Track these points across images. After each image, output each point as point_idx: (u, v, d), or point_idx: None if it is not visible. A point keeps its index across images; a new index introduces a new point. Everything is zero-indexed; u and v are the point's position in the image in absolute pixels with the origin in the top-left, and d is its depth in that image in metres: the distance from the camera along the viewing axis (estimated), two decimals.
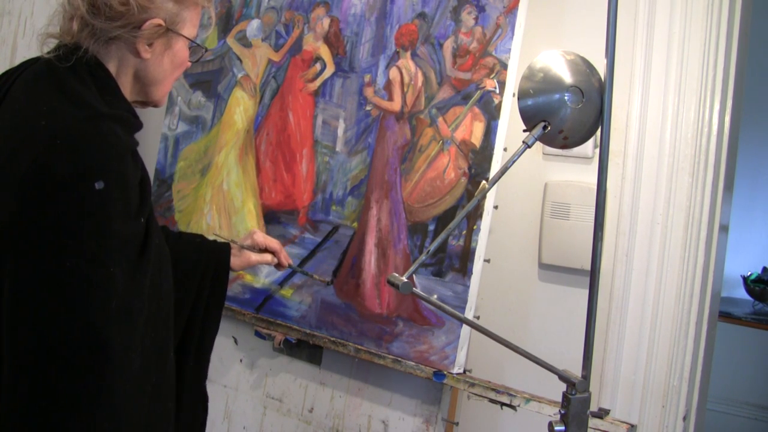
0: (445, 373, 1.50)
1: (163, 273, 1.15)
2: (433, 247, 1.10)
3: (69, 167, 0.97)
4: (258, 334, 1.82)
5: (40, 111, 1.03)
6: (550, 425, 1.08)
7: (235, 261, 1.47)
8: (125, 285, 1.00)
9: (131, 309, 1.02)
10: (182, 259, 1.38)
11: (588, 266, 1.48)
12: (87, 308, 0.96)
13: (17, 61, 2.59)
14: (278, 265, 1.53)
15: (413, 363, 1.54)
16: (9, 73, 1.16)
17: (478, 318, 1.61)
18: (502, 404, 1.47)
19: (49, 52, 1.11)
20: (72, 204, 0.96)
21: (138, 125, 1.16)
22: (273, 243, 1.51)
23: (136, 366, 1.03)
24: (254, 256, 1.49)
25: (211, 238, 1.50)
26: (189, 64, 1.23)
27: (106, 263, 0.98)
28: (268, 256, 1.50)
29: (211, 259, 1.44)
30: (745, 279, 3.42)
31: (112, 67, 1.14)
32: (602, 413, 1.39)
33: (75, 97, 1.05)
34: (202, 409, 1.42)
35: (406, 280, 1.03)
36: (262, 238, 1.50)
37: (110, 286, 0.98)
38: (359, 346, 1.62)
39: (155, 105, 1.23)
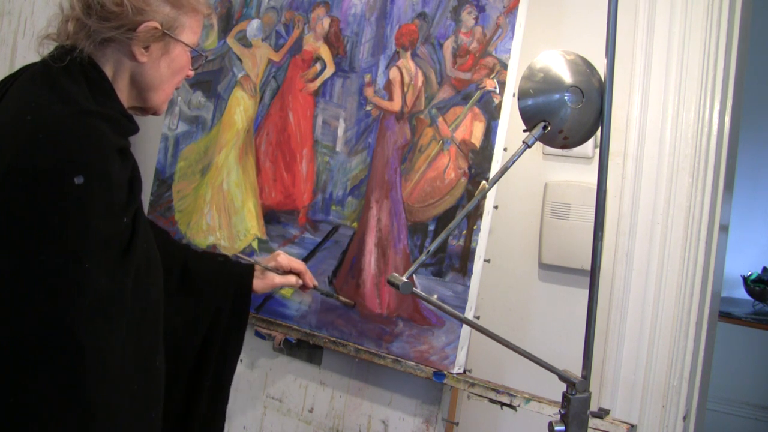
0: (445, 373, 1.50)
1: (151, 278, 1.13)
2: (433, 247, 1.10)
3: (49, 161, 0.97)
4: (258, 334, 1.82)
5: (29, 106, 1.03)
6: (550, 425, 1.08)
7: (257, 283, 1.45)
8: (104, 283, 0.99)
9: (109, 308, 1.00)
10: (202, 279, 1.36)
11: (588, 266, 1.48)
12: (59, 303, 0.95)
13: (17, 62, 2.60)
14: (303, 287, 1.52)
15: (413, 363, 1.54)
16: (9, 77, 1.17)
17: (478, 318, 1.61)
18: (502, 404, 1.47)
19: (48, 54, 1.12)
20: (50, 198, 0.96)
21: (132, 129, 1.15)
22: (297, 264, 1.49)
23: (113, 367, 1.01)
24: (278, 278, 1.47)
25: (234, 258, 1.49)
26: (190, 71, 1.22)
27: (81, 259, 0.97)
28: (292, 278, 1.49)
29: (231, 280, 1.42)
30: (745, 279, 3.42)
31: (108, 70, 1.13)
32: (602, 413, 1.39)
33: (63, 94, 1.05)
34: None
35: (406, 280, 1.03)
36: (286, 260, 1.48)
37: (85, 282, 0.97)
38: (359, 346, 1.62)
39: (155, 112, 1.22)
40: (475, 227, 1.50)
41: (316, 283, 1.54)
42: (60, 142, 0.99)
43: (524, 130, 1.10)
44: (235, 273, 1.44)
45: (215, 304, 1.38)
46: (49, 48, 1.14)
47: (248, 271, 1.45)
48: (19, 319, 0.95)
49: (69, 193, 0.96)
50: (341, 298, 1.64)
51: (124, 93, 1.16)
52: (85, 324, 0.97)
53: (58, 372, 0.95)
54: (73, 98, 1.05)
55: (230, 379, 1.42)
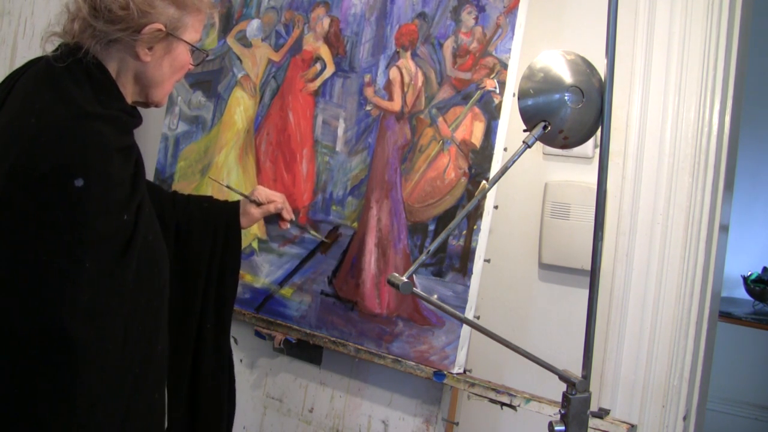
0: (445, 373, 1.50)
1: (156, 268, 1.17)
2: (433, 247, 1.10)
3: (50, 164, 1.00)
4: (258, 334, 1.82)
5: (33, 109, 1.06)
6: (550, 425, 1.08)
7: (242, 221, 1.52)
8: (101, 280, 1.02)
9: (107, 303, 1.04)
10: (193, 226, 1.44)
11: (588, 266, 1.48)
12: (56, 300, 0.99)
13: (17, 61, 2.59)
14: (282, 221, 1.59)
15: (413, 363, 1.54)
16: (15, 72, 1.19)
17: (478, 318, 1.61)
18: (502, 404, 1.47)
19: (52, 52, 1.14)
20: (51, 200, 1.00)
21: (134, 123, 1.18)
22: (275, 197, 1.56)
23: (110, 357, 1.05)
24: (257, 212, 1.54)
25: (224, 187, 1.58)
26: (191, 67, 1.25)
27: (82, 259, 1.00)
28: (270, 206, 1.55)
29: (220, 222, 1.49)
30: (745, 279, 3.41)
31: (112, 69, 1.16)
32: (602, 413, 1.39)
33: (66, 96, 1.08)
34: (227, 372, 1.49)
35: (406, 280, 1.03)
36: (263, 194, 1.55)
37: (83, 280, 1.00)
38: (359, 346, 1.62)
39: (156, 105, 1.26)
40: (475, 227, 1.50)
41: (293, 216, 1.61)
42: (62, 146, 1.02)
43: (524, 130, 1.10)
44: (222, 214, 1.52)
45: (209, 248, 1.47)
46: (53, 44, 1.16)
47: (234, 209, 1.53)
48: (17, 316, 0.98)
49: (69, 194, 1.00)
50: (316, 234, 1.70)
51: (127, 89, 1.19)
52: (82, 321, 1.00)
53: (47, 364, 0.99)
54: (75, 100, 1.07)
55: (230, 315, 1.49)
